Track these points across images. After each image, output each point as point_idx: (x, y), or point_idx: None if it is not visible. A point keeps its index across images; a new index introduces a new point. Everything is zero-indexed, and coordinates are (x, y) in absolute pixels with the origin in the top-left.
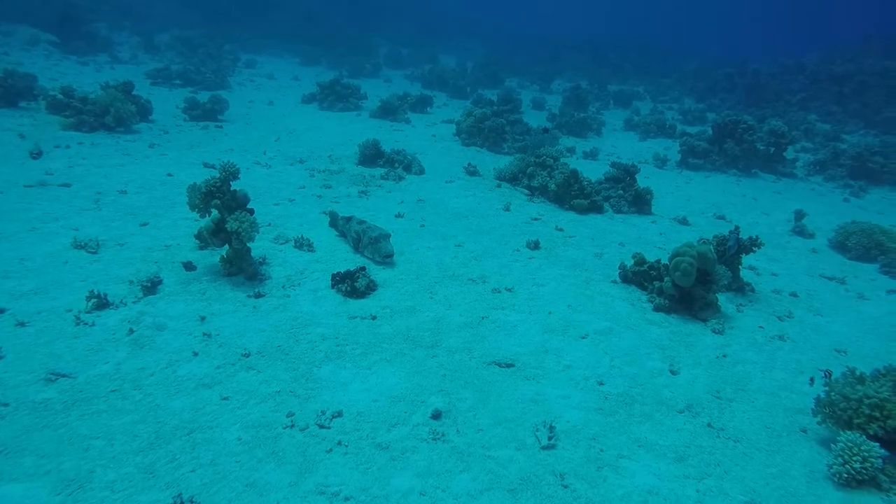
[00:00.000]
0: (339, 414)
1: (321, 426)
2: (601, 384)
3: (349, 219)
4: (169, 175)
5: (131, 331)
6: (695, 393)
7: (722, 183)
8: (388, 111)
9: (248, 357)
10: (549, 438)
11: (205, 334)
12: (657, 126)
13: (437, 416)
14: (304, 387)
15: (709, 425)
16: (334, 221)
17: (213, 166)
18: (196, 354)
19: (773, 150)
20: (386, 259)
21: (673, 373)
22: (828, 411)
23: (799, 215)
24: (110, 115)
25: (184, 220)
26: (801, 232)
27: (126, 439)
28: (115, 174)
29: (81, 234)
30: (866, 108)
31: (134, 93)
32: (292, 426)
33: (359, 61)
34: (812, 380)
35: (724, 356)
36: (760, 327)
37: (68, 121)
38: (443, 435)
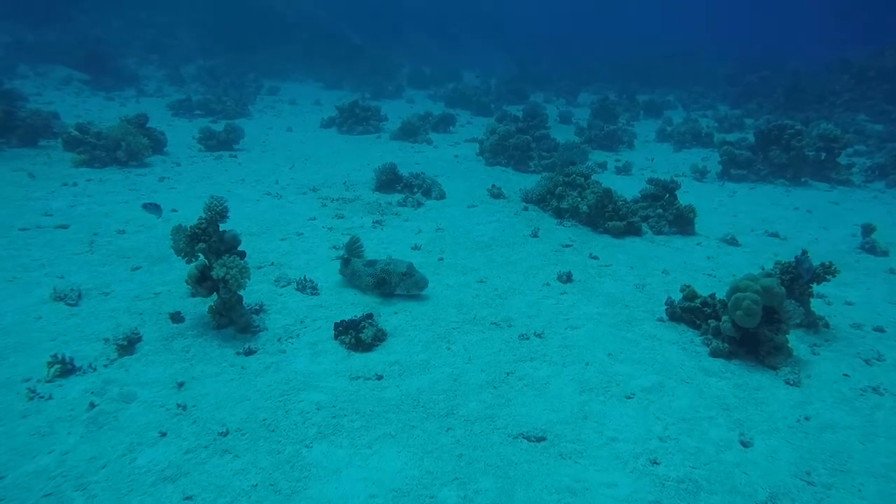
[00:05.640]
0: None
1: None
2: (655, 463)
3: (366, 262)
4: (173, 211)
5: (92, 405)
6: (777, 475)
7: (770, 194)
8: (408, 132)
9: (225, 436)
10: None
11: (179, 406)
12: (692, 135)
13: None
14: (288, 476)
15: None
16: (344, 267)
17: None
18: (163, 435)
19: (824, 155)
20: (424, 289)
21: (744, 444)
22: None
23: (867, 229)
24: (122, 150)
25: (180, 261)
26: (871, 249)
27: None
28: (116, 212)
29: (65, 282)
30: None
31: (153, 125)
32: None
33: (381, 82)
34: None
35: (807, 418)
36: (846, 375)
37: (81, 157)
38: None
